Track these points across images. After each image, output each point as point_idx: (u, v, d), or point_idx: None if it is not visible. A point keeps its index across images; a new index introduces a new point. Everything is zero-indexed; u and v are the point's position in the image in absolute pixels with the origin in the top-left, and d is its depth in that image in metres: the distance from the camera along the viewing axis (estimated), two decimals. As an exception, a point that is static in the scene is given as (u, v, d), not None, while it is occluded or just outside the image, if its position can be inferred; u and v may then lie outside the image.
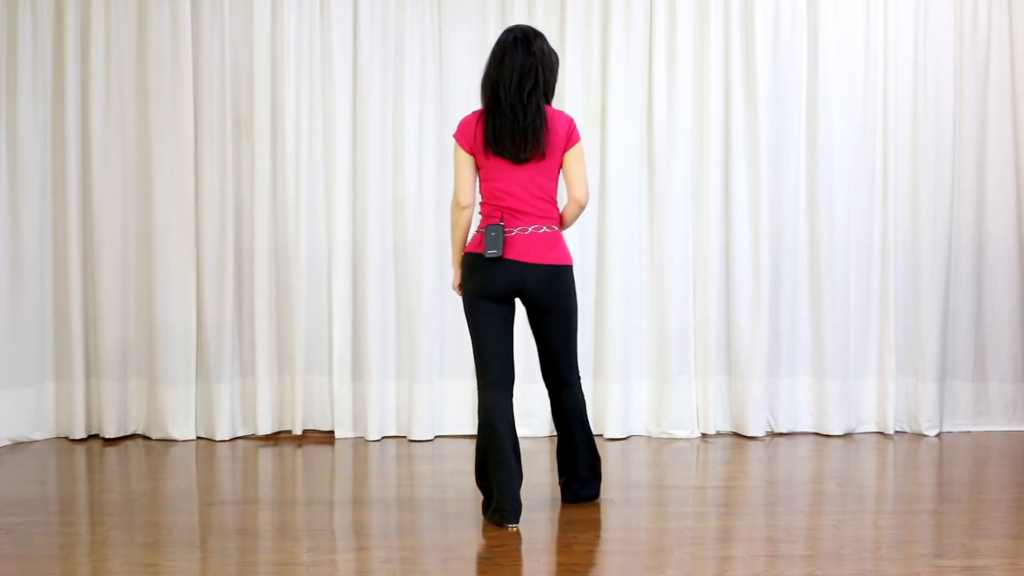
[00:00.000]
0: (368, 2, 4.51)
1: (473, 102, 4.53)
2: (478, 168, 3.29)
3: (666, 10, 4.56)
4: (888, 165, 4.62)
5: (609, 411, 4.55)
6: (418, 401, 4.52)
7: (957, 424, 4.72)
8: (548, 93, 3.29)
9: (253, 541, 3.07)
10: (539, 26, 4.53)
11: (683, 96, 4.56)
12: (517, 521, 3.19)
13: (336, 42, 4.51)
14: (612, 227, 4.55)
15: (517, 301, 3.35)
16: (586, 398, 4.58)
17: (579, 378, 3.47)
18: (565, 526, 3.25)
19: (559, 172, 3.31)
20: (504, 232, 3.20)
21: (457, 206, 3.30)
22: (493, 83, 3.23)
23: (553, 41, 4.55)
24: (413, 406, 4.53)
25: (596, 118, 4.59)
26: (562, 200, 3.35)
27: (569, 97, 4.53)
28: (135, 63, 4.51)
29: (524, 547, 3.03)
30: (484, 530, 3.21)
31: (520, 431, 4.54)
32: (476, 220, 3.36)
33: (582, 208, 3.33)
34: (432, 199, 4.52)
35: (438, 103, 4.56)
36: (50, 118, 4.50)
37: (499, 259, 3.19)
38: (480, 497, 3.39)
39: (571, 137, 3.29)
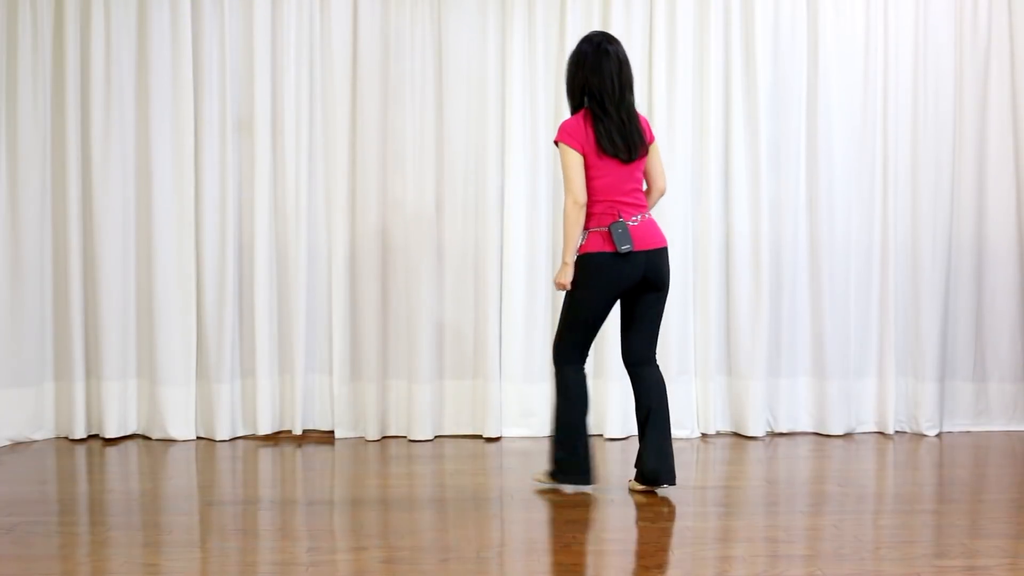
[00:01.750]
0: (368, 2, 4.51)
1: (473, 102, 4.57)
2: (587, 167, 3.47)
3: (666, 10, 4.56)
4: (888, 165, 4.62)
5: (609, 411, 4.55)
6: (418, 401, 4.52)
7: (957, 424, 4.72)
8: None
9: (253, 541, 3.07)
10: (539, 26, 4.54)
11: (683, 96, 4.56)
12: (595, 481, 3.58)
13: (336, 42, 4.51)
14: (612, 227, 4.55)
15: None
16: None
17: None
18: (565, 526, 3.25)
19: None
20: (627, 226, 3.45)
21: (575, 204, 3.45)
22: (598, 92, 3.45)
23: (553, 41, 4.58)
24: (413, 406, 4.53)
25: (596, 118, 4.58)
26: None
27: (569, 97, 4.53)
28: (135, 63, 4.51)
29: (524, 547, 3.03)
30: (484, 530, 3.22)
31: (520, 431, 4.61)
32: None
33: (663, 195, 3.70)
34: (432, 199, 4.52)
35: (438, 103, 4.55)
36: (50, 118, 4.50)
37: (630, 252, 3.43)
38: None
39: (651, 135, 3.58)
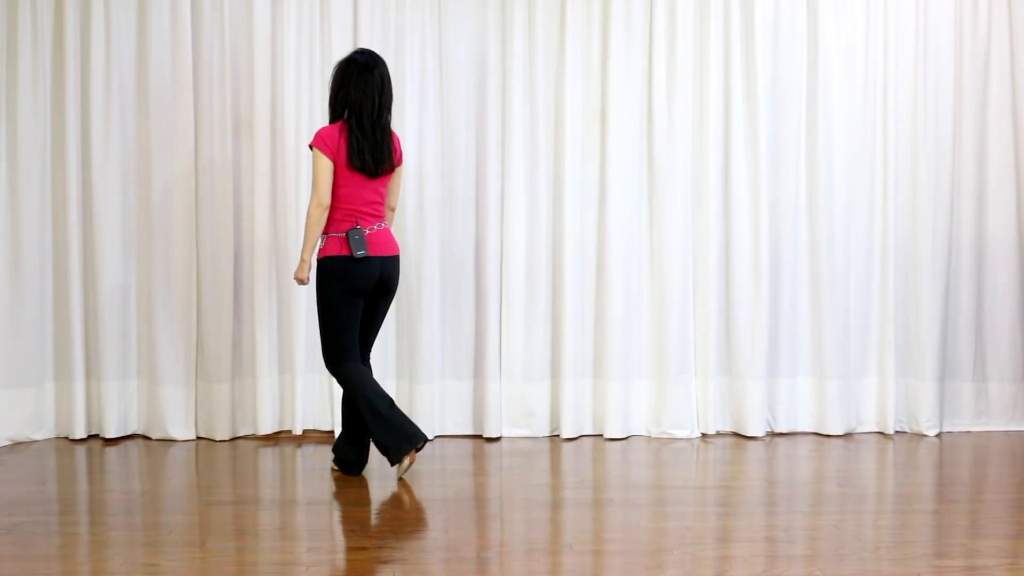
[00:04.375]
0: (368, 2, 4.51)
1: (473, 101, 4.57)
2: (334, 175, 3.70)
3: (666, 10, 4.56)
4: (888, 165, 4.62)
5: (609, 411, 4.55)
6: (419, 401, 4.52)
7: (957, 424, 4.72)
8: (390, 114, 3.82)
9: (253, 541, 3.07)
10: (539, 26, 4.54)
11: (683, 96, 4.56)
12: (422, 440, 3.68)
13: (336, 42, 4.51)
14: (612, 227, 4.55)
15: None
16: (585, 395, 4.64)
17: None
18: (565, 526, 3.25)
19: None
20: (364, 233, 3.68)
21: (319, 207, 3.67)
22: (357, 107, 3.69)
23: (553, 41, 4.58)
24: (414, 406, 4.52)
25: (596, 118, 4.59)
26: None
27: (569, 97, 4.53)
28: (135, 63, 4.51)
29: (524, 547, 3.03)
30: (484, 530, 3.22)
31: (520, 431, 4.61)
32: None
33: (393, 212, 3.94)
34: (433, 199, 4.52)
35: (438, 103, 4.55)
36: (50, 118, 4.50)
37: (365, 258, 3.67)
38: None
39: (401, 156, 3.86)
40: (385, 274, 3.77)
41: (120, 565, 2.84)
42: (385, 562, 2.87)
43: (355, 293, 3.72)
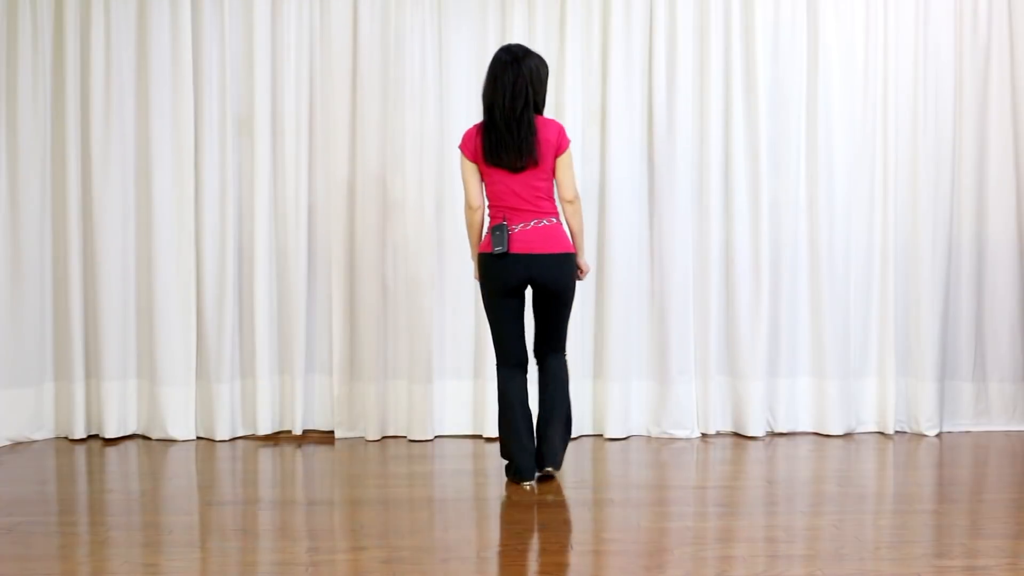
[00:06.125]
0: (368, 2, 4.51)
1: (472, 101, 4.57)
2: (481, 174, 3.68)
3: (666, 10, 4.56)
4: (888, 165, 4.62)
5: (609, 411, 4.55)
6: (418, 401, 4.52)
7: (957, 424, 4.72)
8: (539, 105, 3.66)
9: (253, 541, 3.07)
10: (539, 27, 4.54)
11: (683, 96, 4.56)
12: (532, 479, 3.67)
13: (336, 42, 4.51)
14: (612, 227, 4.55)
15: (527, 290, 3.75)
16: (585, 395, 4.63)
17: (566, 350, 3.86)
18: (565, 526, 3.25)
19: (553, 172, 3.67)
20: (508, 230, 3.59)
21: (469, 208, 3.71)
22: (489, 102, 3.62)
23: (553, 42, 4.57)
24: (413, 406, 4.53)
25: (596, 118, 4.59)
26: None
27: (569, 97, 4.53)
28: (135, 63, 4.51)
29: (524, 547, 3.03)
30: (484, 530, 3.22)
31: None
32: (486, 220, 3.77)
33: (571, 203, 3.71)
34: (432, 199, 4.52)
35: (438, 103, 4.56)
36: (50, 119, 4.50)
37: (506, 255, 3.59)
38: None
39: (561, 144, 3.66)
40: (536, 274, 3.62)
41: (120, 565, 2.84)
42: (385, 562, 2.87)
43: (500, 291, 3.66)
